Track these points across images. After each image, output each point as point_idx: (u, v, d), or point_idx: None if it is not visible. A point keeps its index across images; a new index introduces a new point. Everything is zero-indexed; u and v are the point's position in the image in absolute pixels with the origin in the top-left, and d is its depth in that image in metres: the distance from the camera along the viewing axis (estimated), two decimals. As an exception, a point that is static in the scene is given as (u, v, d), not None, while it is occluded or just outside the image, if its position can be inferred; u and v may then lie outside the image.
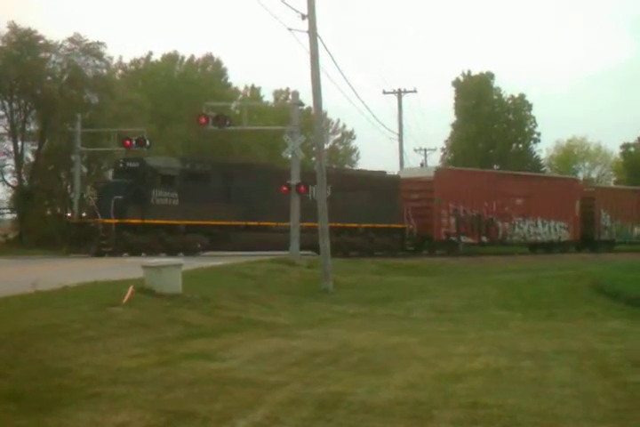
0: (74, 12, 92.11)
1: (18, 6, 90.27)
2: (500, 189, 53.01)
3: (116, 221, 36.06)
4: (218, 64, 74.54)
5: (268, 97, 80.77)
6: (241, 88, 79.58)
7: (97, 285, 19.37)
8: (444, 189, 49.43)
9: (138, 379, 10.85)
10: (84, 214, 38.66)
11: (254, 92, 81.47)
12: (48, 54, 51.77)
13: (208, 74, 73.06)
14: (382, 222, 45.39)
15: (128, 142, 42.05)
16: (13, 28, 50.14)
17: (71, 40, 51.56)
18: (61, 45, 51.66)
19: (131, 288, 17.89)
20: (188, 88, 66.07)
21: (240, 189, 39.72)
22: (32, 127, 53.04)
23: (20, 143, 51.47)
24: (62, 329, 14.03)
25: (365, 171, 51.34)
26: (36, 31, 50.74)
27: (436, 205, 49.44)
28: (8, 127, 51.59)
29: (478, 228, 51.97)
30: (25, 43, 50.08)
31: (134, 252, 36.75)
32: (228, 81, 75.21)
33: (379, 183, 46.15)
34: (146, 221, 36.83)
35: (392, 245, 46.63)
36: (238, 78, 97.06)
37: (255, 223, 39.90)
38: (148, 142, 42.36)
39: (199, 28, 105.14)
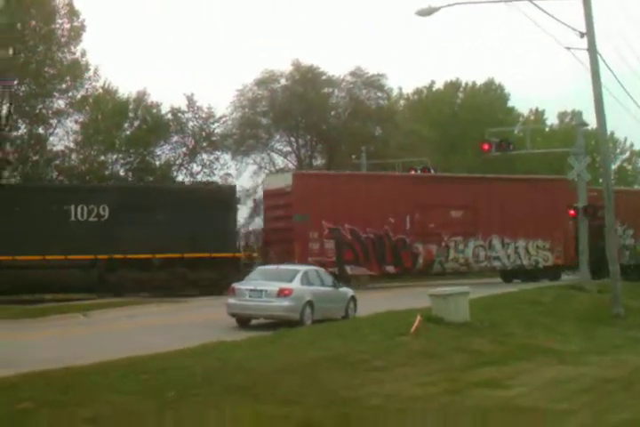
0: (353, 46, 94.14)
1: (299, 44, 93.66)
2: (422, 198, 38.20)
3: None
4: (499, 89, 74.28)
5: (552, 120, 79.44)
6: (524, 112, 78.83)
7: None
8: (309, 202, 35.77)
9: (426, 408, 10.90)
10: None
11: (538, 115, 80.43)
12: (331, 89, 53.23)
13: (490, 99, 72.85)
14: (201, 251, 33.57)
15: (412, 172, 42.79)
16: (297, 66, 51.99)
17: (352, 74, 52.82)
18: (343, 80, 53.00)
19: (418, 317, 18.15)
20: (470, 115, 66.08)
21: None
22: (318, 161, 54.65)
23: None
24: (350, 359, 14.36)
25: (180, 184, 42.37)
26: (318, 68, 52.29)
27: (298, 224, 35.97)
28: (295, 162, 53.52)
29: (378, 254, 37.81)
30: (308, 79, 51.67)
31: None
32: (510, 105, 74.78)
33: (201, 199, 34.08)
34: None
35: (217, 281, 32.93)
36: (520, 103, 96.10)
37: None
38: (432, 171, 42.97)
39: (480, 54, 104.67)
